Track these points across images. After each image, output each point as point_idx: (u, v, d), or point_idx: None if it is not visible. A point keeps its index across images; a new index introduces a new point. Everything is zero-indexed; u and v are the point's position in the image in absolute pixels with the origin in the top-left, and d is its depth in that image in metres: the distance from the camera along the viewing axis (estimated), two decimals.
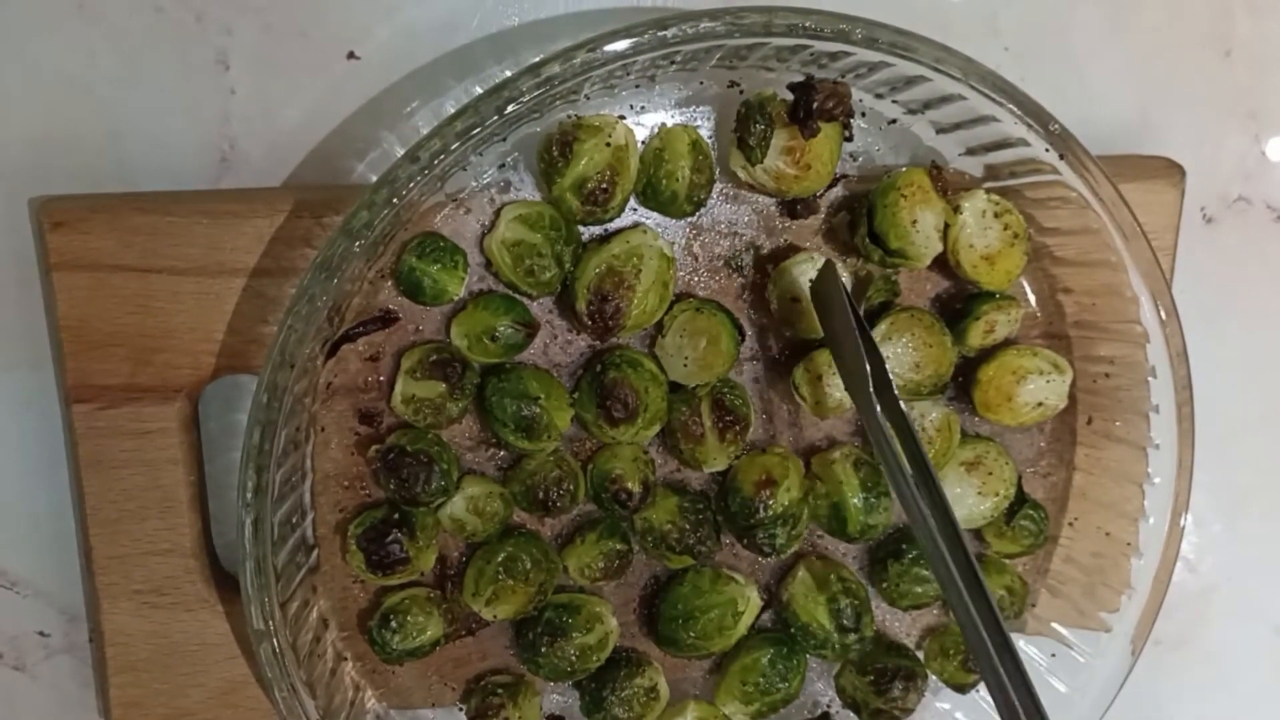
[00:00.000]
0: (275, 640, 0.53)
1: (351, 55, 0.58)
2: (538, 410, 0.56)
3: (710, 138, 0.57)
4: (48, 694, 0.61)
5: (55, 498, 0.59)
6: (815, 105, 0.53)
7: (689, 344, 0.56)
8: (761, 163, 0.54)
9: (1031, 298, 0.62)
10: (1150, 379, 0.60)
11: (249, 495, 0.51)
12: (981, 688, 0.65)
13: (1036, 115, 0.54)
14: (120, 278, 0.54)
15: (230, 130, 0.57)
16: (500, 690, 0.60)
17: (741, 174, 0.55)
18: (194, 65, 0.56)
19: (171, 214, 0.54)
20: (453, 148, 0.49)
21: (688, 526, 0.59)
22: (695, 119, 0.57)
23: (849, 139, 0.57)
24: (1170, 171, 0.64)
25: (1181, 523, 0.62)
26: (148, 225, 0.54)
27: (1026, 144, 0.55)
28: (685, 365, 0.57)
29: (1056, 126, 0.54)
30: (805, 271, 0.57)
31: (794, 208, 0.58)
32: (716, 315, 0.57)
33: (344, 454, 0.57)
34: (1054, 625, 0.66)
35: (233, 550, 0.60)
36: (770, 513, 0.59)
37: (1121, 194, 0.56)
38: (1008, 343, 0.62)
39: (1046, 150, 0.55)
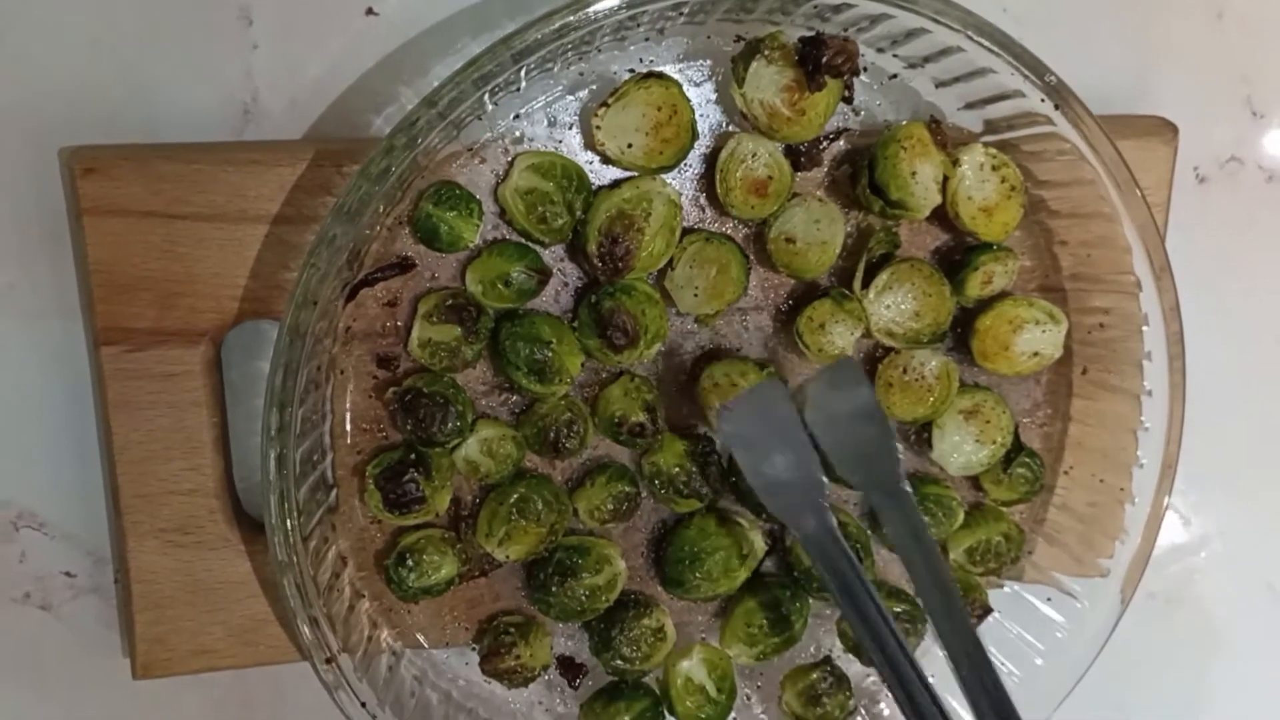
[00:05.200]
0: (298, 572, 0.55)
1: (370, 11, 0.59)
2: (550, 354, 0.58)
3: (715, 92, 0.59)
4: (72, 634, 0.63)
5: (82, 443, 0.61)
6: (824, 60, 0.55)
7: (699, 273, 0.58)
8: (744, 81, 0.56)
9: (1027, 251, 0.64)
10: (1144, 328, 0.62)
11: (273, 431, 0.53)
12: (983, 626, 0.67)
13: (1033, 67, 0.56)
14: (148, 223, 0.56)
15: (252, 85, 0.59)
16: (512, 629, 0.62)
17: (737, 100, 0.57)
18: (217, 21, 0.58)
19: (197, 162, 0.56)
20: (469, 95, 0.51)
21: (694, 470, 0.61)
22: (701, 72, 0.59)
23: (848, 100, 0.58)
24: (1163, 129, 0.66)
25: (1173, 470, 0.64)
26: (174, 173, 0.55)
27: (1023, 95, 0.57)
28: (696, 295, 0.58)
29: (1052, 78, 0.56)
30: (797, 215, 0.59)
31: (797, 158, 0.59)
32: (726, 244, 0.59)
33: (362, 397, 0.59)
34: (1052, 573, 0.68)
35: (253, 494, 0.62)
36: None
37: (1115, 145, 0.58)
38: (1004, 294, 0.64)
39: (1042, 101, 0.57)
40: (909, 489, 0.56)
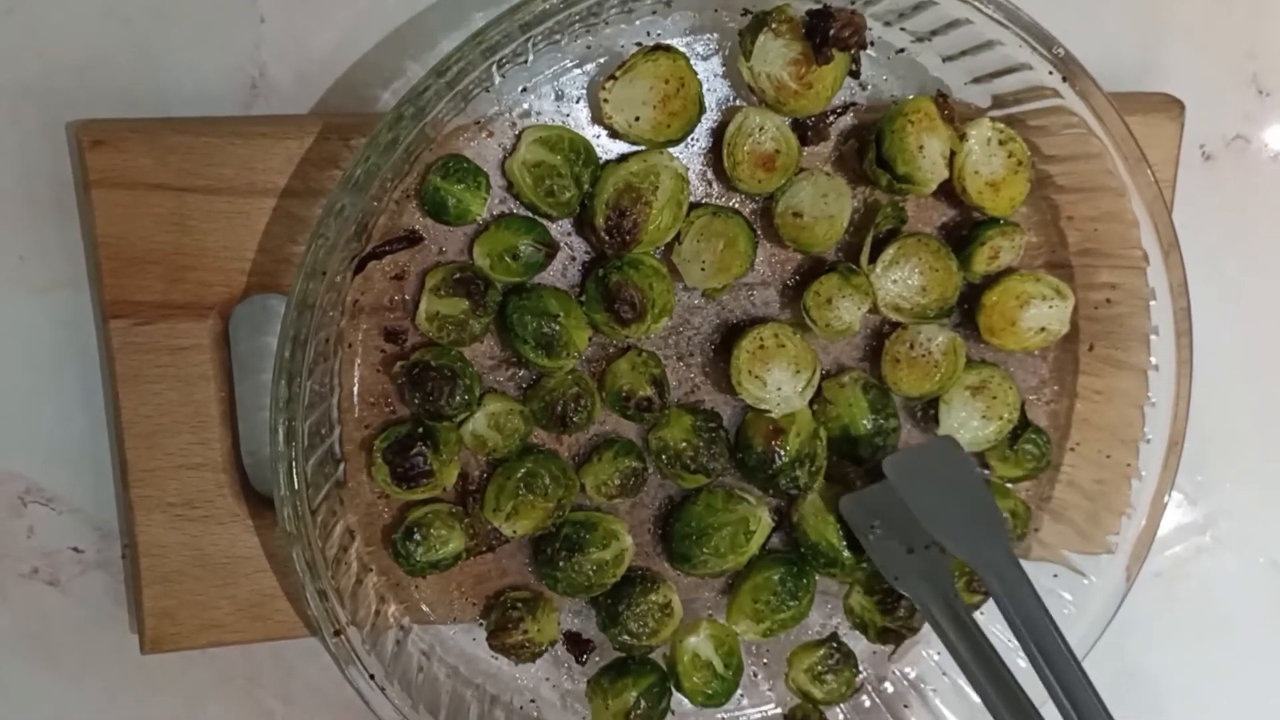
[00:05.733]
0: (306, 544, 0.55)
1: None
2: (557, 328, 0.58)
3: (722, 66, 0.59)
4: (80, 609, 0.63)
5: (91, 417, 0.61)
6: (832, 33, 0.55)
7: (706, 247, 0.58)
8: (751, 56, 0.56)
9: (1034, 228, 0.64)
10: (1151, 302, 0.62)
11: (281, 402, 0.53)
12: (986, 608, 0.67)
13: (1041, 39, 0.56)
14: (156, 196, 0.56)
15: (260, 58, 0.59)
16: (519, 605, 0.62)
17: (744, 73, 0.57)
18: None
19: (205, 135, 0.56)
20: (477, 65, 0.51)
21: (701, 444, 0.61)
22: (708, 46, 0.59)
23: (855, 74, 0.59)
24: (1170, 106, 0.66)
25: (1179, 446, 0.64)
26: (183, 145, 0.55)
27: (1030, 68, 0.57)
28: (703, 269, 0.58)
29: (1060, 50, 0.56)
30: (804, 189, 0.59)
31: (804, 133, 0.60)
32: (733, 218, 0.59)
33: (370, 371, 0.59)
34: (1060, 550, 0.68)
35: (260, 470, 0.63)
36: (786, 459, 0.61)
37: (1123, 117, 0.58)
38: (1011, 270, 0.64)
39: (1050, 73, 0.57)
40: (1020, 566, 0.58)
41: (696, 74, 0.57)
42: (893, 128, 0.59)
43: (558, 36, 0.55)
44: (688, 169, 0.58)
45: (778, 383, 0.60)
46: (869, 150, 0.60)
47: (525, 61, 0.55)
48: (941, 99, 0.59)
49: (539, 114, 0.58)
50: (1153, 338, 0.63)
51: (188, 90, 0.59)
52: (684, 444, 0.61)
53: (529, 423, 0.60)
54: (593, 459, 0.62)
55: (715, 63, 0.59)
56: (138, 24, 0.58)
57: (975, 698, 0.66)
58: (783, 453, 0.61)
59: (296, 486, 0.54)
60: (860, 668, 0.66)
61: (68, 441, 0.61)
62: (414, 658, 0.62)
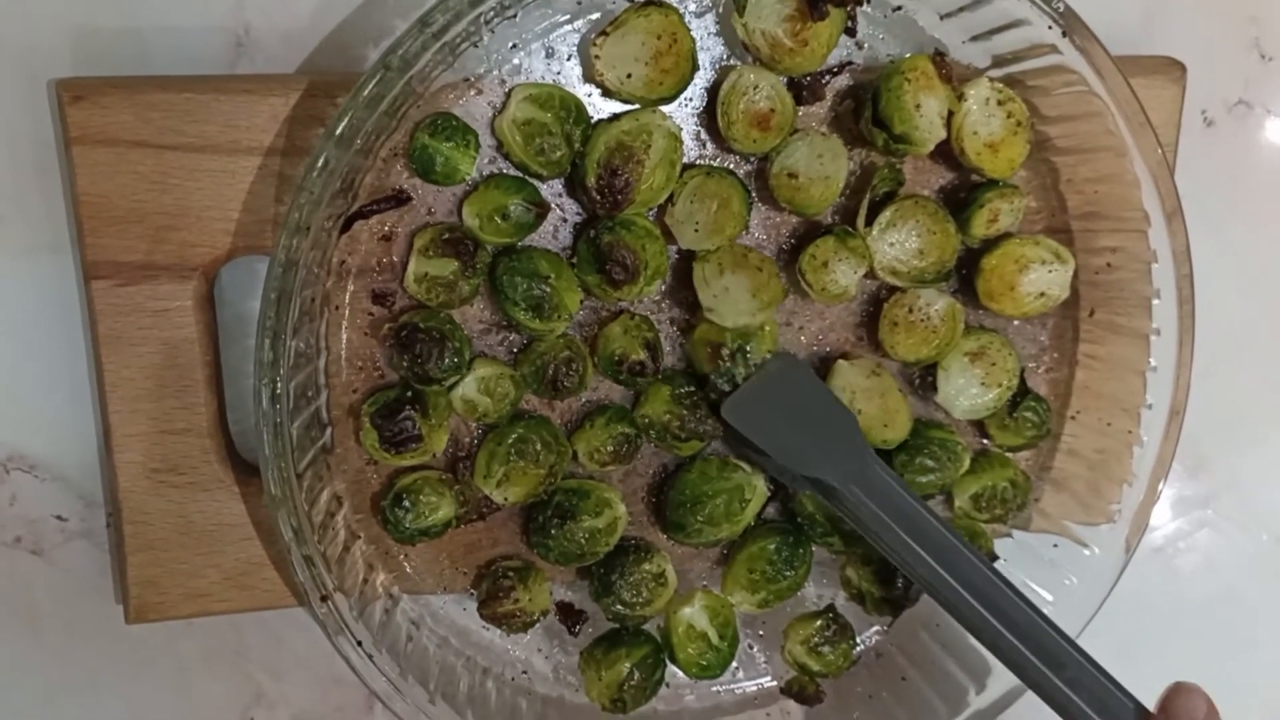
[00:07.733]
0: (292, 508, 0.54)
1: None
2: (548, 289, 0.57)
3: (717, 24, 0.58)
4: (64, 578, 0.62)
5: (74, 383, 0.60)
6: None
7: (700, 208, 0.57)
8: (745, 12, 0.55)
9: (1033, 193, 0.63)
10: (1153, 264, 0.61)
11: (266, 363, 0.52)
12: None
13: None
14: (138, 154, 0.55)
15: (245, 16, 0.58)
16: (511, 574, 0.61)
17: (739, 30, 0.56)
18: None
19: (188, 91, 0.55)
20: (465, 14, 0.50)
21: (686, 412, 0.60)
22: (702, 3, 0.58)
23: (851, 31, 0.58)
24: (1171, 68, 0.65)
25: (1180, 414, 0.63)
26: (164, 102, 0.54)
27: (1029, 23, 0.56)
28: (696, 230, 0.57)
29: (1061, 4, 0.55)
30: (800, 149, 0.58)
31: (800, 92, 0.59)
32: (727, 178, 0.58)
33: (357, 335, 0.58)
34: (1061, 521, 0.67)
35: (247, 438, 0.61)
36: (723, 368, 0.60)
37: (1125, 75, 0.57)
38: (1010, 235, 0.62)
39: (1049, 28, 0.56)
40: (878, 460, 0.59)
41: (690, 30, 0.56)
42: (889, 86, 0.58)
43: None
44: (681, 128, 0.57)
45: (726, 284, 0.58)
46: (865, 109, 0.58)
47: (514, 16, 0.54)
48: (939, 57, 0.58)
49: (529, 72, 0.57)
50: (1154, 302, 0.61)
51: (172, 49, 0.58)
52: (668, 415, 0.60)
53: (520, 387, 0.59)
54: (585, 425, 0.61)
55: (709, 20, 0.58)
56: None
57: None
58: (720, 368, 0.60)
59: (282, 448, 0.53)
60: (858, 640, 0.66)
61: (51, 407, 0.60)
62: (403, 628, 0.61)
